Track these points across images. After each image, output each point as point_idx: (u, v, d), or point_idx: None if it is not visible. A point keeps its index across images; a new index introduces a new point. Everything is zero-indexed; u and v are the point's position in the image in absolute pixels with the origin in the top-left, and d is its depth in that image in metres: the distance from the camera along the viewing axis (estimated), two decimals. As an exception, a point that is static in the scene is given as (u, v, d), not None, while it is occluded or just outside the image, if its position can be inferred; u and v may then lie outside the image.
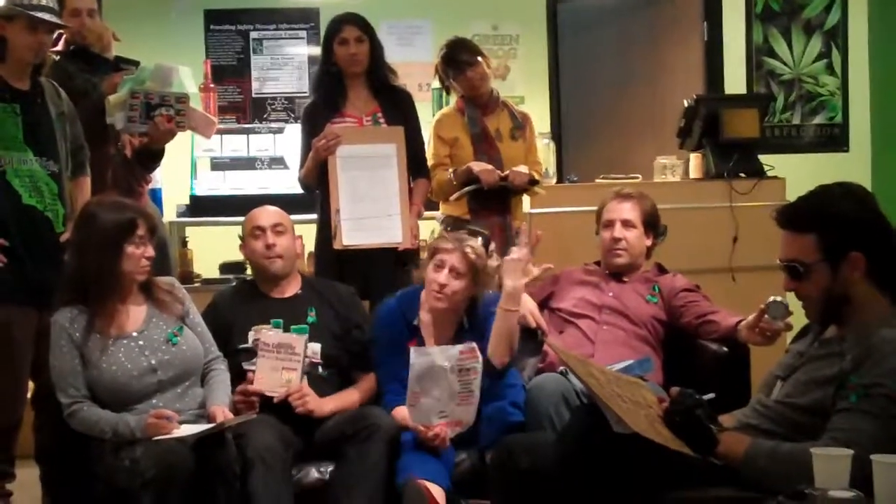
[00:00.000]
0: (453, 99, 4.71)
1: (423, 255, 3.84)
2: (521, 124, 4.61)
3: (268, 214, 3.70)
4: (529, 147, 4.65)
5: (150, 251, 3.31)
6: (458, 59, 4.50)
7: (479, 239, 3.66)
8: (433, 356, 3.30)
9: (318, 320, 3.61)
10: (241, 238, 3.74)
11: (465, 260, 3.51)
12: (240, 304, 3.67)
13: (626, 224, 3.83)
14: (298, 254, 3.86)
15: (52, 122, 3.75)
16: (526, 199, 4.69)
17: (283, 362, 3.37)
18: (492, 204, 4.41)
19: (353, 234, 4.13)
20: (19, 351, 3.64)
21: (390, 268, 4.15)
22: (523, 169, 4.42)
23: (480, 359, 3.32)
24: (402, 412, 3.38)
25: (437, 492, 3.16)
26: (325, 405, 3.43)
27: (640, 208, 3.85)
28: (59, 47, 4.24)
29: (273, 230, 3.64)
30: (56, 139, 3.75)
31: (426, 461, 3.24)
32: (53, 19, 3.69)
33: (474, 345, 3.33)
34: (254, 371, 3.41)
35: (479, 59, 4.51)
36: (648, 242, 3.88)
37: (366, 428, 3.27)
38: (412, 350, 3.33)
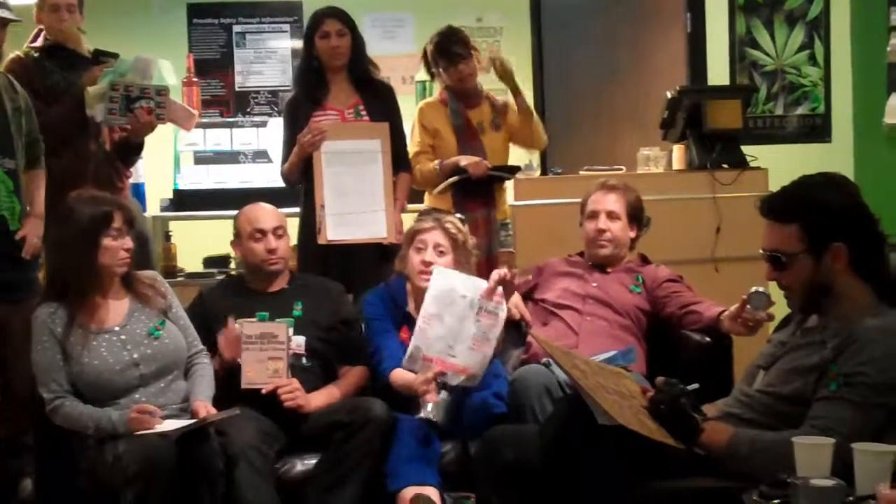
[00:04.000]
0: (436, 89, 4.71)
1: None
2: (501, 111, 4.61)
3: (268, 216, 3.67)
4: (515, 124, 4.61)
5: (129, 243, 3.29)
6: (452, 51, 4.48)
7: (456, 216, 3.73)
8: (455, 281, 3.32)
9: (303, 314, 3.60)
10: (235, 235, 3.71)
11: (447, 235, 3.57)
12: (227, 299, 3.65)
13: (611, 215, 3.83)
14: (289, 250, 3.82)
15: (8, 118, 3.72)
16: (511, 192, 4.70)
17: (267, 352, 3.37)
18: (476, 195, 4.41)
19: (337, 230, 4.13)
20: None
21: (374, 263, 4.14)
22: None
23: (505, 308, 3.30)
24: (401, 375, 3.39)
25: (433, 494, 3.19)
26: (313, 400, 3.43)
27: (625, 200, 3.84)
28: (38, 43, 4.21)
29: (274, 233, 3.63)
30: (12, 136, 3.71)
31: (416, 463, 3.25)
32: (4, 14, 3.66)
33: (501, 288, 3.32)
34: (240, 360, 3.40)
35: (472, 54, 4.50)
36: (632, 234, 3.88)
37: (359, 418, 3.26)
38: (435, 268, 3.35)
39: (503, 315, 3.33)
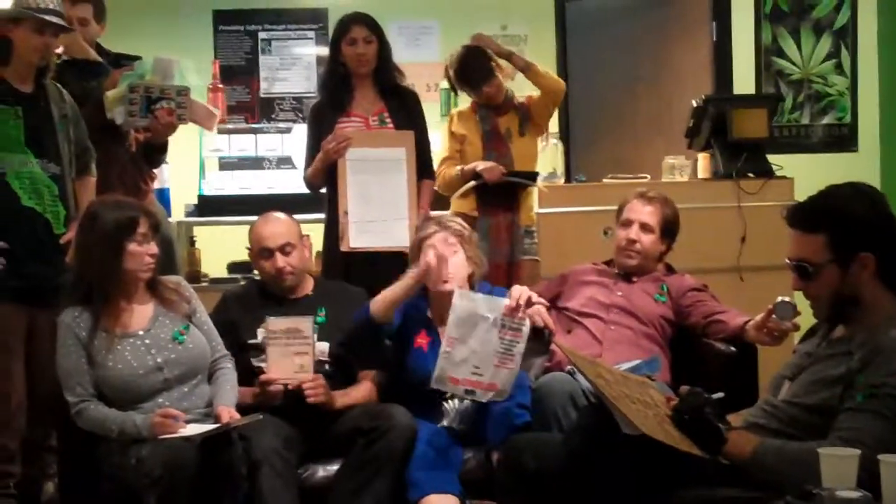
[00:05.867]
0: (461, 100, 4.73)
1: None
2: (525, 115, 4.62)
3: (275, 234, 3.62)
4: (535, 99, 4.65)
5: (154, 249, 3.30)
6: (473, 77, 4.53)
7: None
8: (476, 303, 3.31)
9: (327, 320, 3.60)
10: (248, 247, 3.72)
11: (452, 232, 3.56)
12: (250, 304, 3.65)
13: (644, 227, 3.81)
14: (306, 257, 3.80)
15: (55, 124, 3.75)
16: (536, 199, 4.70)
17: (292, 347, 3.36)
18: (499, 201, 4.42)
19: (360, 237, 4.14)
20: (6, 347, 3.63)
21: (397, 270, 4.13)
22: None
23: (528, 322, 3.30)
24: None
25: (452, 502, 3.18)
26: (337, 399, 3.42)
27: (661, 214, 3.82)
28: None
29: (281, 252, 3.59)
30: (58, 142, 3.75)
31: (436, 471, 3.24)
32: (60, 22, 3.70)
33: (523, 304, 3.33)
34: (264, 365, 3.40)
35: (494, 72, 4.52)
36: (662, 248, 3.86)
37: (381, 425, 3.25)
38: (456, 291, 3.35)
39: (526, 330, 3.32)
